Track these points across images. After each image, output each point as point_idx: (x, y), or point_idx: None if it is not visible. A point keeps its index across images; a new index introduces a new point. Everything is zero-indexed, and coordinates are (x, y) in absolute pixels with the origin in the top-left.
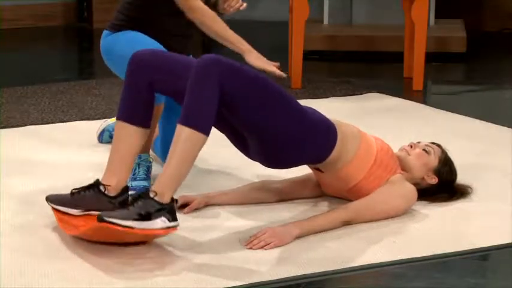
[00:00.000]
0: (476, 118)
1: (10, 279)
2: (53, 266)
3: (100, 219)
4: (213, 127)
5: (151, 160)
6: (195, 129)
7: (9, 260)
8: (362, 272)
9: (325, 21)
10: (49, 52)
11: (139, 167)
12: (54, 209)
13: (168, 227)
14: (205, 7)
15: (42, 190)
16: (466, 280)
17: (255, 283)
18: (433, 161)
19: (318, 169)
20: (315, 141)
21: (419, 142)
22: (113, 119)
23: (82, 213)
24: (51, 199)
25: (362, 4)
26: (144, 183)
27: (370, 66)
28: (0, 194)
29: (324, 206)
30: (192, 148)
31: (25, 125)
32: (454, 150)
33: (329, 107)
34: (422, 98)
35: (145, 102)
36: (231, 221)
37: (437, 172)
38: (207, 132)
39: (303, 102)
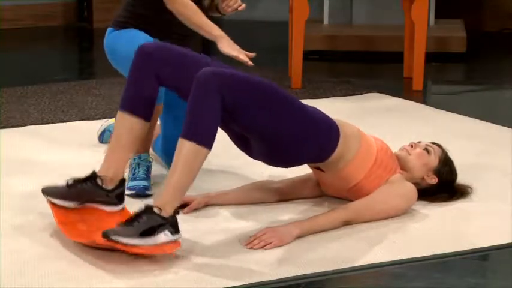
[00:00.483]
0: (476, 118)
1: (10, 279)
2: (52, 266)
3: (106, 237)
4: None
5: (151, 160)
6: (197, 143)
7: (9, 260)
8: (362, 272)
9: (325, 21)
10: (49, 52)
11: (139, 167)
12: (50, 202)
13: (171, 241)
14: None
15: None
16: (466, 280)
17: (255, 283)
18: (434, 161)
19: (318, 168)
20: (318, 140)
21: (419, 142)
22: (114, 119)
23: (78, 206)
24: (47, 191)
25: (362, 4)
26: (144, 182)
27: (370, 66)
28: (0, 194)
29: (324, 206)
30: (194, 162)
31: (25, 125)
32: (454, 150)
33: (329, 107)
34: (422, 98)
35: (149, 95)
36: (231, 221)
37: (437, 172)
38: (209, 146)
39: (303, 102)
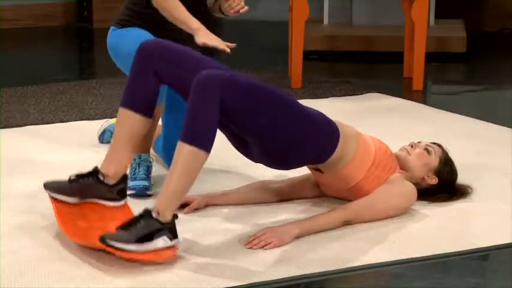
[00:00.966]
0: (476, 118)
1: (10, 279)
2: (52, 266)
3: (103, 242)
4: None
5: (151, 160)
6: (196, 147)
7: (9, 260)
8: (362, 272)
9: (325, 21)
10: (49, 52)
11: (139, 167)
12: (51, 197)
13: (169, 247)
14: None
15: (42, 190)
16: (466, 280)
17: (255, 283)
18: (434, 161)
19: (317, 170)
20: (318, 142)
21: (419, 142)
22: (114, 119)
23: (79, 201)
24: (49, 186)
25: (362, 4)
26: (144, 183)
27: (370, 66)
28: (0, 194)
29: (324, 206)
30: (193, 165)
31: (25, 125)
32: (454, 150)
33: (329, 107)
34: (422, 98)
35: (150, 91)
36: (231, 221)
37: (437, 172)
38: (208, 150)
39: (303, 102)
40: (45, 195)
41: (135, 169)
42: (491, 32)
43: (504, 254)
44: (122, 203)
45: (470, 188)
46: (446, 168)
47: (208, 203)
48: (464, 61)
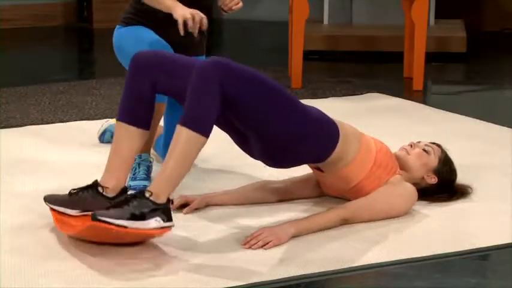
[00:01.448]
0: (476, 118)
1: (10, 279)
2: (52, 266)
3: (94, 218)
4: (215, 126)
5: (151, 160)
6: (195, 131)
7: (9, 260)
8: (362, 272)
9: (325, 21)
10: (49, 52)
11: (139, 167)
12: (51, 209)
13: (162, 227)
14: None
15: (42, 190)
16: (466, 280)
17: (254, 283)
18: (433, 160)
19: (318, 169)
20: (317, 141)
21: (419, 142)
22: (114, 119)
23: (80, 213)
24: (49, 199)
25: (362, 4)
26: (144, 182)
27: (370, 66)
28: (0, 194)
29: (324, 206)
30: (191, 149)
31: (25, 125)
32: (454, 150)
33: (329, 107)
34: (422, 98)
35: (146, 104)
36: (231, 221)
37: (437, 172)
38: (206, 134)
39: (303, 102)
40: (45, 195)
41: (135, 169)
42: (491, 32)
43: (504, 254)
44: None
45: (470, 188)
46: (445, 168)
47: (209, 203)
48: (464, 61)
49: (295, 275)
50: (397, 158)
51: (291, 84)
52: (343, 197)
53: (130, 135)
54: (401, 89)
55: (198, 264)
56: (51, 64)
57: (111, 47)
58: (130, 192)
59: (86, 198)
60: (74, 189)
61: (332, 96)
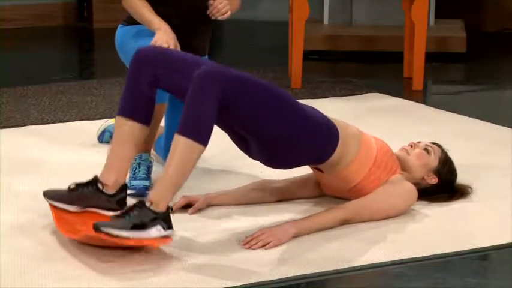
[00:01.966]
0: (476, 118)
1: (10, 279)
2: (52, 266)
3: (96, 230)
4: (215, 126)
5: (152, 160)
6: (193, 140)
7: (9, 260)
8: (362, 272)
9: (325, 21)
10: (49, 52)
11: (139, 167)
12: (51, 205)
13: (163, 236)
14: None
15: (42, 190)
16: (466, 280)
17: (254, 283)
18: (433, 161)
19: (318, 169)
20: (317, 142)
21: (419, 142)
22: (114, 120)
23: (79, 210)
24: (49, 195)
25: (362, 4)
26: (144, 182)
27: (370, 66)
28: (0, 194)
29: (323, 206)
30: (189, 158)
31: (25, 125)
32: (454, 150)
33: (329, 107)
34: (422, 98)
35: (147, 99)
36: (231, 221)
37: (437, 172)
38: (204, 143)
39: (303, 102)
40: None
41: (136, 169)
42: (491, 32)
43: (504, 254)
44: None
45: (470, 188)
46: (445, 168)
47: (210, 203)
48: (464, 61)
49: (295, 275)
50: (398, 158)
51: (290, 84)
52: (343, 197)
53: (130, 130)
54: (401, 89)
55: (198, 264)
56: (51, 64)
57: (111, 47)
58: (130, 191)
59: (86, 195)
60: (74, 185)
61: (332, 96)
